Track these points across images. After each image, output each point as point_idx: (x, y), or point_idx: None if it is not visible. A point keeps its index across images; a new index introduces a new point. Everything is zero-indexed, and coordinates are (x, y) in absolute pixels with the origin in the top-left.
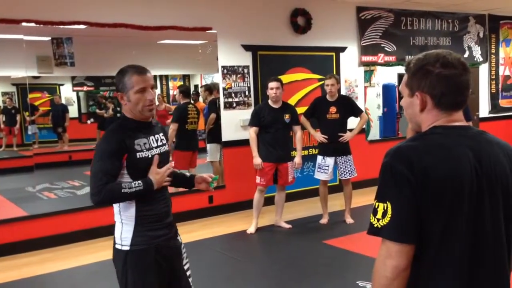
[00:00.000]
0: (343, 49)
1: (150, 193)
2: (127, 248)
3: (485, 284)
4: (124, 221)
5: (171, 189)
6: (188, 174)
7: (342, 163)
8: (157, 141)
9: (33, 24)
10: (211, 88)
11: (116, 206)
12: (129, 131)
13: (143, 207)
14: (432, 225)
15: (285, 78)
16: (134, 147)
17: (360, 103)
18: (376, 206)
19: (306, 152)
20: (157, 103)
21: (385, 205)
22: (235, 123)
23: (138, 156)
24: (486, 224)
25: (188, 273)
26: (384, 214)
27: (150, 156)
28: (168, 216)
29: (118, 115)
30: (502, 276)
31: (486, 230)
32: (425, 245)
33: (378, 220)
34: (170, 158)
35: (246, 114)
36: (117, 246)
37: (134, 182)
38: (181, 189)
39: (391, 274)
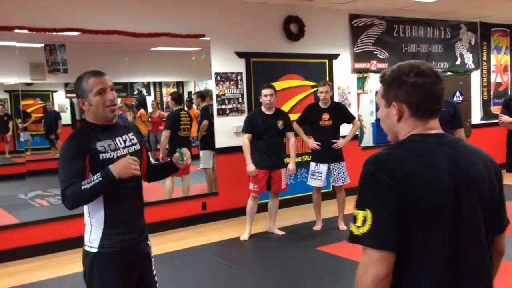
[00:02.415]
0: (336, 56)
1: (114, 184)
2: (95, 250)
3: None
4: (93, 223)
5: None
6: (167, 160)
7: (335, 169)
8: (125, 141)
9: (26, 31)
10: (204, 95)
11: (85, 208)
12: (90, 134)
13: (112, 210)
14: (413, 232)
15: (278, 85)
16: (97, 149)
17: (353, 110)
18: (356, 214)
19: (299, 159)
20: (151, 110)
21: (365, 212)
22: (229, 130)
23: (101, 158)
24: (466, 230)
25: (156, 282)
26: (364, 222)
27: (115, 157)
28: (139, 219)
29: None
30: (483, 280)
31: (466, 235)
32: (406, 252)
33: (358, 227)
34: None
35: (239, 120)
36: (86, 248)
37: (93, 176)
38: (174, 196)
39: (371, 282)
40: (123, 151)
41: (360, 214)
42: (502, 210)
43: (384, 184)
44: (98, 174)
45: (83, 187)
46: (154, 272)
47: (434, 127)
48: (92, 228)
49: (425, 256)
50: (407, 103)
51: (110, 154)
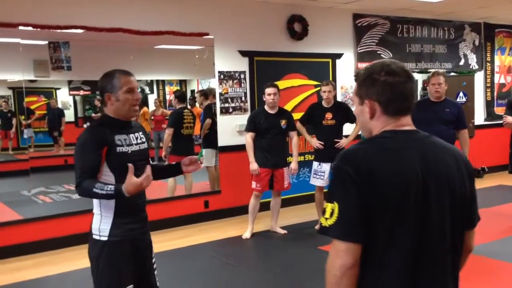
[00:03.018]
0: (339, 55)
1: (118, 202)
2: (105, 238)
3: (429, 283)
4: (103, 213)
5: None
6: (172, 163)
7: None
8: (136, 138)
9: (30, 28)
10: (207, 93)
11: (96, 199)
12: (110, 126)
13: (121, 201)
14: (379, 225)
15: (282, 84)
16: (114, 142)
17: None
18: (325, 206)
19: (302, 158)
20: (154, 108)
21: (333, 205)
22: (232, 128)
23: (118, 150)
24: (433, 225)
25: (156, 272)
26: (332, 214)
27: (129, 151)
28: (143, 211)
29: None
30: (443, 274)
31: (433, 230)
32: (372, 245)
33: (326, 219)
34: (166, 163)
35: (242, 119)
36: (95, 237)
37: (107, 186)
38: (177, 194)
39: (339, 272)
40: (136, 147)
41: (329, 207)
42: (474, 207)
43: (350, 179)
44: (112, 189)
45: (94, 190)
46: (154, 260)
47: (406, 123)
48: (102, 217)
49: (390, 250)
50: (379, 101)
51: (125, 148)
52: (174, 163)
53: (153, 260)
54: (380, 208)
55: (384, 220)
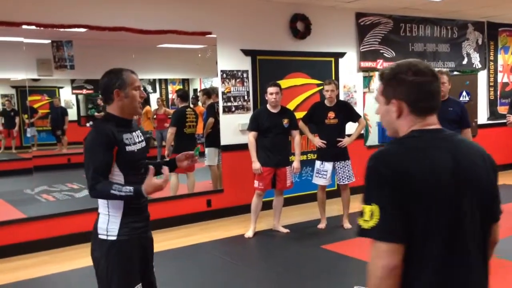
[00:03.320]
0: (342, 54)
1: (129, 202)
2: (114, 238)
3: (465, 276)
4: (111, 213)
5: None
6: (167, 159)
7: (341, 168)
8: (138, 137)
9: (33, 27)
10: (210, 92)
11: (104, 199)
12: (116, 126)
13: (129, 201)
14: (415, 224)
15: (284, 83)
16: (123, 141)
17: (358, 109)
18: (363, 209)
19: (304, 157)
20: (156, 107)
21: (372, 207)
22: (234, 127)
23: (127, 150)
24: (466, 220)
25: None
26: (371, 216)
27: (136, 150)
28: (146, 210)
29: None
30: (479, 267)
31: (466, 225)
32: (408, 243)
33: (366, 221)
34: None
35: (245, 118)
36: (101, 237)
37: (125, 187)
38: (179, 193)
39: (381, 274)
40: (139, 146)
41: (367, 209)
42: (497, 201)
43: (388, 179)
44: (131, 190)
45: (112, 192)
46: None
47: (433, 122)
48: (110, 217)
49: (425, 247)
50: (406, 100)
51: (132, 147)
52: (168, 159)
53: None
54: (417, 207)
55: (420, 219)
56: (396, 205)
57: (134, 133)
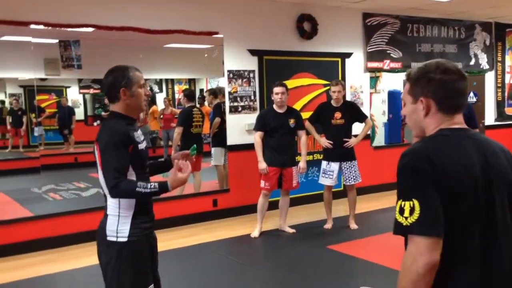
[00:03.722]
0: (348, 55)
1: (141, 202)
2: (124, 239)
3: (498, 271)
4: (122, 214)
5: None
6: (165, 159)
7: (347, 168)
8: (141, 135)
9: (41, 27)
10: (216, 92)
11: (115, 201)
12: (128, 124)
13: (140, 202)
14: (453, 219)
15: (291, 83)
16: (135, 139)
17: (365, 109)
18: (402, 205)
19: (310, 157)
20: (163, 107)
21: (411, 203)
22: (241, 127)
23: (139, 148)
24: (497, 216)
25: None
26: (412, 212)
27: (144, 148)
28: (152, 210)
29: None
30: (510, 261)
31: (498, 220)
32: (447, 238)
33: (406, 218)
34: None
35: (251, 118)
36: (110, 239)
37: (150, 184)
38: (185, 192)
39: (423, 270)
40: (143, 144)
41: (407, 205)
42: None
43: (427, 174)
44: (156, 185)
45: (137, 189)
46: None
47: (459, 121)
48: (120, 218)
49: (461, 242)
50: (434, 98)
51: (141, 146)
52: (165, 159)
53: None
54: (454, 202)
55: (457, 214)
56: (436, 200)
57: (139, 132)
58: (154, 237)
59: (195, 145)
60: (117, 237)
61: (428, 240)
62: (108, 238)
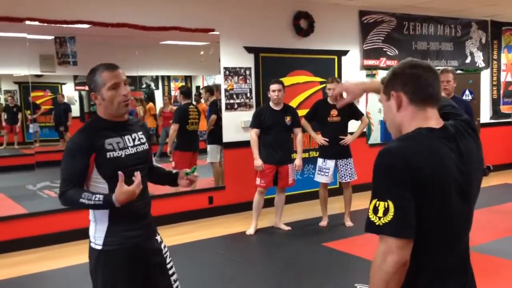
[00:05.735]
0: (345, 52)
1: (113, 209)
2: (99, 247)
3: (460, 267)
4: (97, 219)
5: (171, 189)
6: (173, 171)
7: (343, 166)
8: (134, 140)
9: (37, 23)
10: (212, 90)
11: None
12: (100, 130)
13: (116, 207)
14: (425, 219)
15: (287, 80)
16: (104, 147)
17: (361, 107)
18: (376, 205)
19: (306, 155)
20: (163, 105)
21: (386, 203)
22: (236, 125)
23: (108, 156)
24: (469, 215)
25: (173, 275)
26: (386, 213)
27: (123, 156)
28: (145, 218)
29: None
30: (468, 258)
31: (468, 220)
32: (417, 238)
33: (380, 218)
34: (170, 159)
35: (247, 115)
36: (91, 245)
37: (95, 196)
38: (181, 189)
39: (393, 269)
40: (132, 150)
41: (381, 205)
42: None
43: (402, 175)
44: (100, 198)
45: (81, 200)
46: (169, 266)
47: (433, 116)
48: (97, 225)
49: (431, 242)
50: (404, 90)
51: (118, 153)
52: (174, 172)
53: (168, 264)
54: (429, 203)
55: (430, 214)
56: (410, 201)
57: (127, 136)
58: (148, 245)
59: (195, 166)
60: (95, 243)
61: (400, 241)
62: (91, 244)
